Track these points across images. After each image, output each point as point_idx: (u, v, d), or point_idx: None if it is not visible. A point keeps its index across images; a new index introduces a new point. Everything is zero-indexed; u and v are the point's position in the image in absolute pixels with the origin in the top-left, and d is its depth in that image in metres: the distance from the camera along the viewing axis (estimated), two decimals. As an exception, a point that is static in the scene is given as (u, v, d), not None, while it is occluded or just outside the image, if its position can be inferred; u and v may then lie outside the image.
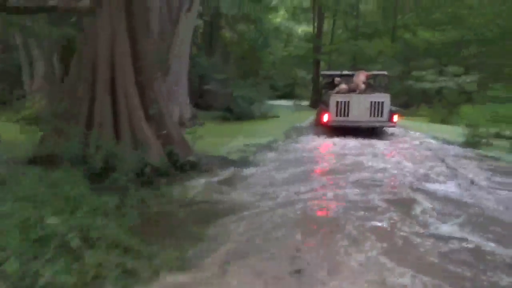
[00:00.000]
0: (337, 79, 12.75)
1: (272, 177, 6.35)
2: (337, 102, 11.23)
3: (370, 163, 7.55)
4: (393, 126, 11.37)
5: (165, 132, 6.24)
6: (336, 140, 10.84)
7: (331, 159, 8.27)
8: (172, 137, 6.37)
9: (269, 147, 9.55)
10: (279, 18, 35.94)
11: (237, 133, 11.55)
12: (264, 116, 16.72)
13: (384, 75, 13.29)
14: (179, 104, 13.24)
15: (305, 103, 28.65)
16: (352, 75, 12.63)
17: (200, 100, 16.56)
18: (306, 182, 6.03)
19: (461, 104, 17.95)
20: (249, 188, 5.63)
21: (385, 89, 12.39)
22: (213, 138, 10.20)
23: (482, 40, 21.71)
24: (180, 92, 13.43)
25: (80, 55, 6.19)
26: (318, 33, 29.40)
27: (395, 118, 11.06)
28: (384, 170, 7.03)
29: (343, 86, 12.07)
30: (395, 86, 22.61)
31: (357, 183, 6.03)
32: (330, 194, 5.43)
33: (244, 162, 7.38)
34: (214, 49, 20.27)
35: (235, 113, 15.54)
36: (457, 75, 18.71)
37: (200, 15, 17.89)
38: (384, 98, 11.09)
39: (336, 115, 11.21)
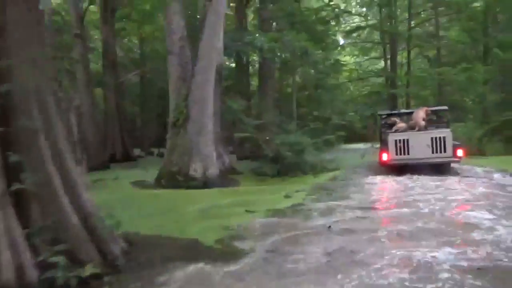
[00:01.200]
0: (392, 119, 12.79)
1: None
2: (396, 140, 11.06)
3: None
4: (458, 161, 11.12)
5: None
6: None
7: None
8: (66, 226, 3.64)
9: (285, 213, 6.46)
10: (346, 56, 33.07)
11: (257, 196, 8.58)
12: (323, 168, 13.33)
13: (445, 109, 13.37)
14: (202, 159, 10.73)
15: (384, 144, 24.68)
16: (411, 113, 12.61)
17: (240, 150, 13.93)
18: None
19: None
20: None
21: (447, 124, 12.35)
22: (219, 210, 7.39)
23: None
24: (205, 143, 10.95)
25: None
26: (392, 66, 25.84)
27: (460, 152, 10.78)
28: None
29: (401, 124, 12.16)
30: (493, 118, 18.01)
31: None
32: None
33: (226, 254, 4.35)
34: (266, 93, 17.86)
35: (281, 166, 12.57)
36: None
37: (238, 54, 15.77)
38: (446, 133, 10.95)
39: (396, 154, 11.01)
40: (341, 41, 31.37)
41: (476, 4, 24.08)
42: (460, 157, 10.79)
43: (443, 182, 9.18)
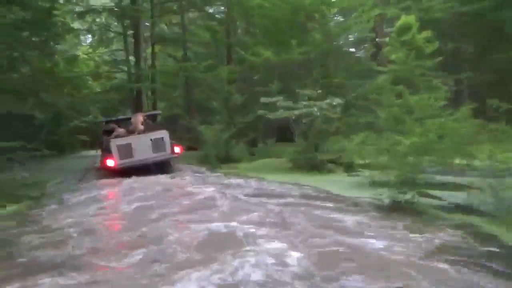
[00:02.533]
0: (112, 125, 12.95)
1: None
2: (118, 145, 11.16)
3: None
4: (177, 157, 12.18)
5: None
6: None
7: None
8: None
9: None
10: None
11: None
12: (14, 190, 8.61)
13: (158, 114, 14.98)
14: None
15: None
16: (129, 119, 13.11)
17: None
18: None
19: (329, 137, 13.07)
20: None
21: (163, 126, 12.83)
22: None
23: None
24: None
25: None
26: (136, 60, 22.62)
27: (177, 149, 11.88)
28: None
29: (120, 129, 12.42)
30: (239, 119, 17.06)
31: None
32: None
33: None
34: None
35: None
36: (317, 100, 13.50)
37: None
38: (163, 134, 11.67)
39: (121, 158, 11.11)
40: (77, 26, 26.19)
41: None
42: (178, 153, 11.98)
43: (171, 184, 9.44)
